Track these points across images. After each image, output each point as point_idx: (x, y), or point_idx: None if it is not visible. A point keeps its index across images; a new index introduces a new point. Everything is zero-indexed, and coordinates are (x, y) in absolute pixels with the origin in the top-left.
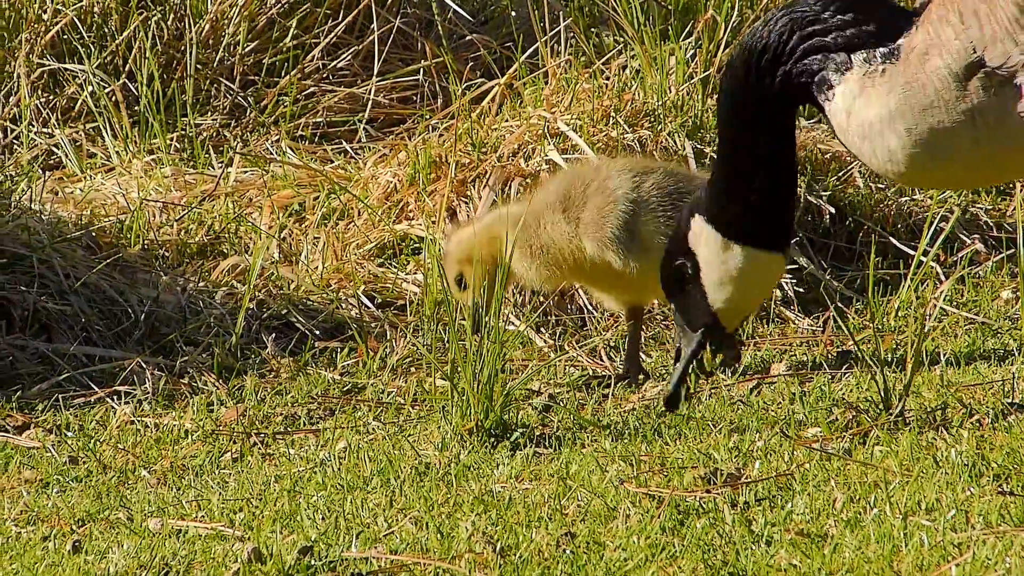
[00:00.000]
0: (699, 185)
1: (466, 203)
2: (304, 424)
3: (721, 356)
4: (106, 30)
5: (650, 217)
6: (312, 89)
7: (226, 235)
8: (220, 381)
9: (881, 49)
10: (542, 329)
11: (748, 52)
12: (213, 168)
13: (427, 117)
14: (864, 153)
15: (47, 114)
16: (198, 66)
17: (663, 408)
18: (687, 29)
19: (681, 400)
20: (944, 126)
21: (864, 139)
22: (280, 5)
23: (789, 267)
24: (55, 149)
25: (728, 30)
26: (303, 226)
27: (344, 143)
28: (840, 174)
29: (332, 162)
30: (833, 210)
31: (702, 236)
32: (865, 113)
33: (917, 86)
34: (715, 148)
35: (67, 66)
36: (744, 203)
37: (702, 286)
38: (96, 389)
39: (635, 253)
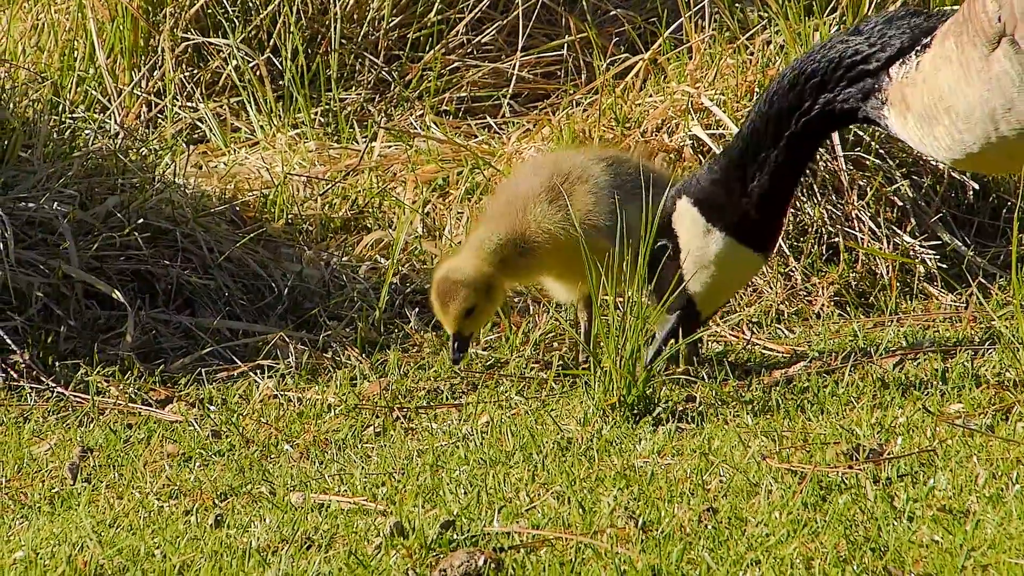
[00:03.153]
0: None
1: None
2: (447, 398)
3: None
4: (250, 4)
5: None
6: (456, 64)
7: (370, 210)
8: (363, 355)
9: (916, 48)
10: None
11: (798, 73)
12: (357, 143)
13: (571, 92)
14: (931, 151)
15: (191, 88)
16: (342, 41)
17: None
18: (831, 4)
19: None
20: (974, 97)
21: (922, 140)
22: None
23: (932, 243)
24: (199, 123)
25: (872, 6)
26: (447, 201)
27: (488, 118)
28: None
29: (476, 137)
30: (976, 186)
31: (686, 218)
32: (911, 114)
33: (944, 64)
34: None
35: (211, 40)
36: (738, 196)
37: (680, 268)
38: (239, 363)
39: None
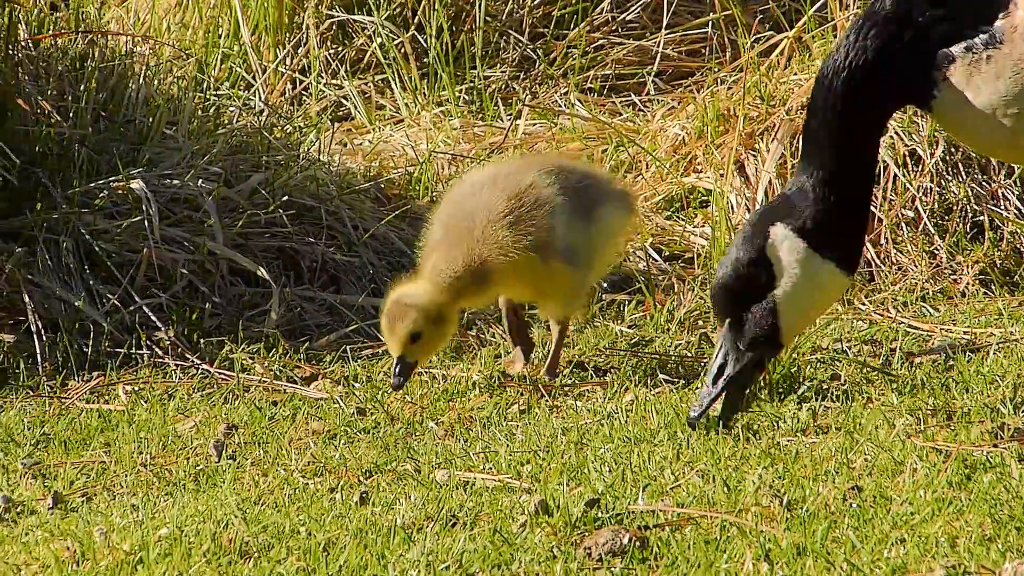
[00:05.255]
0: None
1: (754, 156)
2: (592, 376)
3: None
4: None
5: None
6: (601, 41)
7: None
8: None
9: (981, 36)
10: None
11: (839, 69)
12: (502, 120)
13: (716, 70)
14: (980, 140)
15: (336, 66)
16: (487, 18)
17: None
18: None
19: (735, 420)
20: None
21: (978, 127)
22: None
23: None
24: (344, 101)
25: None
26: None
27: (632, 96)
28: None
29: (620, 115)
30: None
31: (784, 246)
32: (977, 101)
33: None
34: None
35: (356, 17)
36: (844, 221)
37: (773, 299)
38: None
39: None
